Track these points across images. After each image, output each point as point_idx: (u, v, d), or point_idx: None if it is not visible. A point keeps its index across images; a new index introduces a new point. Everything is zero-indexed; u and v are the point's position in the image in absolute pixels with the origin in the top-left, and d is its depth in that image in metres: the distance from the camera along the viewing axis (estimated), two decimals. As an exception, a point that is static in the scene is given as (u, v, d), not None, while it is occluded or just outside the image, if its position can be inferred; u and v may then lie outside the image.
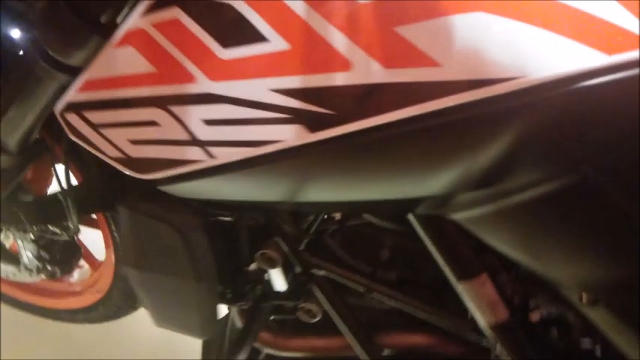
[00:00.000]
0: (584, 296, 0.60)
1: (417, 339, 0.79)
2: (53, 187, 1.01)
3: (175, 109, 0.50)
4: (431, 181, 0.45)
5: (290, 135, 0.43)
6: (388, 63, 0.37)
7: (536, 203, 0.48)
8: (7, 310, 1.27)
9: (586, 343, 0.73)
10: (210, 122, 0.48)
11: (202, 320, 0.69)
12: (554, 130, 0.39)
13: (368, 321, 0.78)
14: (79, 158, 0.76)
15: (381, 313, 0.79)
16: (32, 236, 0.93)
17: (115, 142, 0.56)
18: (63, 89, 0.66)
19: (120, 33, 0.51)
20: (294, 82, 0.42)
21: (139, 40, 0.50)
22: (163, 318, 0.72)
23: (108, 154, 0.58)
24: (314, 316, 0.74)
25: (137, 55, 0.51)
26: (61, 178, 0.78)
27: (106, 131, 0.56)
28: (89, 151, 0.69)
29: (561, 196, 0.47)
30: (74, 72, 0.63)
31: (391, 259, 0.73)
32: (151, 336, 1.30)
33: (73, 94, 0.57)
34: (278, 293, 0.72)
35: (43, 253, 0.96)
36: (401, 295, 0.72)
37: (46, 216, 0.87)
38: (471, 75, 0.34)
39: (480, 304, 0.67)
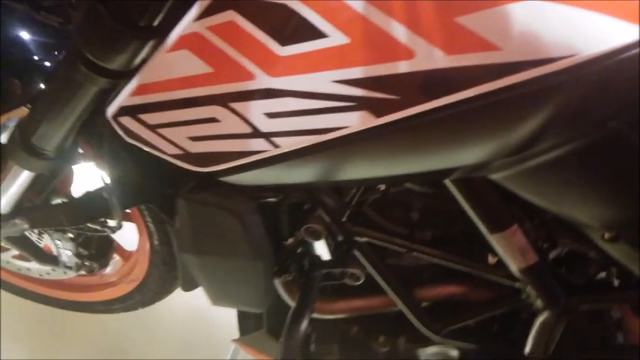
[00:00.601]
0: (607, 234, 0.67)
1: (451, 289, 0.86)
2: (77, 187, 1.04)
3: (236, 105, 0.54)
4: (477, 151, 0.50)
5: (356, 121, 0.48)
6: (450, 50, 0.42)
7: (568, 158, 0.54)
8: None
9: (604, 276, 0.81)
10: (272, 115, 0.52)
11: (261, 294, 0.75)
12: (592, 97, 0.44)
13: (405, 278, 0.84)
14: (113, 157, 0.79)
15: (416, 270, 0.86)
16: (71, 235, 0.97)
17: (174, 140, 0.60)
18: (103, 93, 0.70)
19: (172, 38, 0.54)
20: (356, 72, 0.46)
21: (194, 43, 0.53)
22: (222, 297, 0.77)
23: (166, 151, 0.62)
24: (358, 279, 0.80)
25: (193, 58, 0.54)
26: (102, 178, 0.82)
27: (163, 131, 0.60)
28: (125, 149, 0.73)
29: (590, 149, 0.53)
30: (115, 75, 0.66)
31: (425, 220, 0.79)
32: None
33: (126, 99, 0.60)
34: (325, 262, 0.78)
35: (81, 250, 1.00)
36: (437, 251, 0.78)
37: (88, 215, 0.90)
38: (530, 56, 0.39)
39: (512, 252, 0.73)
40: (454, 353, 0.92)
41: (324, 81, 0.48)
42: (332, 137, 0.50)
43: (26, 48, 0.86)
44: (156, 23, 0.62)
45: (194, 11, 0.52)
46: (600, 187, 0.60)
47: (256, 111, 0.53)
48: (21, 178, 0.85)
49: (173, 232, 0.96)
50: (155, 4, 0.60)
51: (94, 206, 0.91)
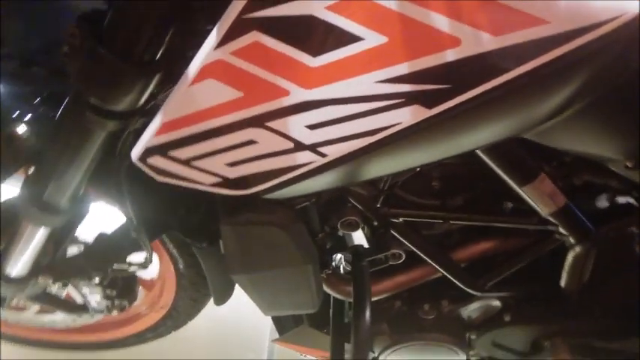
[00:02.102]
0: (629, 163, 0.70)
1: (485, 246, 0.88)
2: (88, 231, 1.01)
3: (273, 123, 0.53)
4: (522, 122, 0.51)
5: (407, 116, 0.48)
6: (497, 31, 0.42)
7: (594, 105, 0.56)
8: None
9: (624, 200, 0.85)
10: (314, 126, 0.52)
11: (313, 295, 0.75)
12: (628, 53, 0.45)
13: (441, 245, 0.87)
14: (133, 194, 0.77)
15: (449, 235, 0.88)
16: (97, 280, 0.95)
17: (211, 169, 0.59)
18: (112, 137, 0.68)
19: (193, 70, 0.53)
20: (401, 69, 0.46)
21: (218, 71, 0.52)
22: (275, 306, 0.78)
23: (204, 182, 0.60)
24: (400, 258, 0.82)
25: (219, 85, 0.53)
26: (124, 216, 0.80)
27: (198, 163, 0.59)
28: (144, 185, 0.72)
29: (614, 94, 0.55)
30: (124, 116, 0.64)
31: (453, 187, 0.80)
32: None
33: (151, 139, 0.58)
34: (367, 250, 0.79)
35: (109, 292, 0.98)
36: (471, 215, 0.80)
37: (112, 257, 0.88)
38: (578, 24, 0.40)
39: (542, 199, 0.76)
40: (496, 303, 0.95)
41: (366, 83, 0.48)
42: (383, 136, 0.50)
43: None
44: (159, 57, 0.60)
45: (213, 39, 0.50)
46: (623, 124, 0.62)
47: (296, 125, 0.53)
48: (38, 237, 0.82)
49: (199, 252, 0.95)
50: (156, 38, 0.58)
51: (117, 247, 0.89)
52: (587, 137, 0.64)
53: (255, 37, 0.49)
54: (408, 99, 0.47)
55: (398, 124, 0.49)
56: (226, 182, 0.60)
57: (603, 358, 0.99)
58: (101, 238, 0.91)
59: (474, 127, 0.49)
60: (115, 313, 1.01)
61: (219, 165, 0.58)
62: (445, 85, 0.45)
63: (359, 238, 0.85)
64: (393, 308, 0.96)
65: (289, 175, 0.56)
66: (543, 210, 0.77)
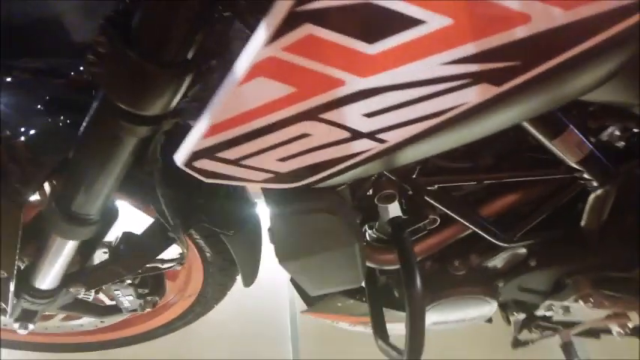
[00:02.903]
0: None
1: (511, 199, 0.90)
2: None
3: (327, 115, 0.52)
4: (583, 89, 0.51)
5: (474, 95, 0.47)
6: (568, 5, 0.41)
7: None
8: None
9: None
10: (372, 114, 0.51)
11: (360, 271, 0.76)
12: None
13: (471, 203, 0.88)
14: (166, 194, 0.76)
15: (477, 192, 0.90)
16: (129, 281, 0.94)
17: (262, 166, 0.58)
18: (143, 142, 0.65)
19: (242, 70, 0.51)
20: (468, 49, 0.45)
21: (269, 68, 0.50)
22: (322, 285, 0.78)
23: (254, 179, 0.59)
24: (436, 222, 0.83)
25: (270, 82, 0.51)
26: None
27: (248, 161, 0.57)
28: (175, 182, 0.71)
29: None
30: (155, 121, 0.62)
31: (481, 147, 0.81)
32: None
33: (198, 143, 0.57)
34: (407, 220, 0.80)
35: (141, 291, 0.97)
36: (502, 173, 0.81)
37: (145, 258, 0.87)
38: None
39: (570, 149, 0.77)
40: (522, 251, 0.99)
41: (430, 66, 0.47)
42: (447, 117, 0.50)
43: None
44: (190, 57, 0.58)
45: (262, 36, 0.48)
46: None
47: (353, 115, 0.52)
48: (67, 249, 0.80)
49: (228, 239, 0.95)
50: (186, 38, 0.56)
51: (147, 246, 0.88)
52: (613, 87, 0.65)
53: (308, 30, 0.47)
54: (476, 78, 0.46)
55: (464, 104, 0.48)
56: (278, 177, 0.59)
57: (622, 287, 1.04)
58: (129, 240, 0.90)
59: (537, 99, 0.49)
60: (148, 309, 1.00)
61: (270, 161, 0.57)
62: (514, 62, 0.45)
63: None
64: (425, 269, 0.98)
65: (345, 163, 0.56)
66: (571, 159, 0.79)
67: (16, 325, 0.95)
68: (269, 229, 0.68)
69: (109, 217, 0.79)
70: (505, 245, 0.91)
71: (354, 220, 0.71)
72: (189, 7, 0.53)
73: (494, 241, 0.90)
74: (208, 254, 1.01)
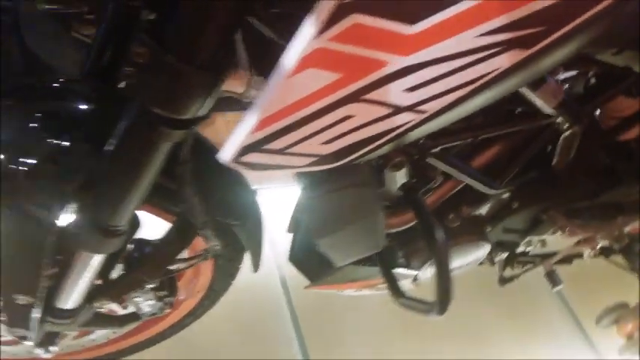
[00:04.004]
0: (613, 51, 0.82)
1: (494, 150, 0.99)
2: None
3: (370, 95, 0.57)
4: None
5: (505, 60, 0.53)
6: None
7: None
8: None
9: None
10: (413, 88, 0.56)
11: (382, 236, 0.82)
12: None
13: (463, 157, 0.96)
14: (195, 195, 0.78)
15: (467, 147, 0.98)
16: (150, 285, 0.95)
17: (306, 152, 0.62)
18: (175, 146, 0.67)
19: (291, 63, 0.54)
20: (501, 20, 0.51)
21: (318, 58, 0.53)
22: (349, 255, 0.84)
23: (298, 165, 0.63)
24: (439, 181, 0.90)
25: (318, 72, 0.54)
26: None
27: (294, 149, 0.61)
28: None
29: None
30: (191, 124, 0.64)
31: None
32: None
33: (247, 138, 0.59)
34: (417, 183, 0.86)
35: (160, 293, 0.98)
36: (493, 127, 0.90)
37: (168, 261, 0.88)
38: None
39: (549, 98, 0.86)
40: (505, 195, 1.09)
41: (466, 39, 0.52)
42: (481, 83, 0.55)
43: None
44: (224, 58, 0.60)
45: (310, 30, 0.52)
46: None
47: (395, 91, 0.56)
48: (93, 264, 0.80)
49: (239, 229, 0.98)
50: (223, 39, 0.58)
51: (167, 248, 0.89)
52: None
53: (354, 19, 0.51)
54: (508, 45, 0.52)
55: (497, 69, 0.54)
56: (320, 160, 0.63)
57: (589, 214, 1.18)
58: (143, 246, 0.90)
59: (553, 58, 0.56)
60: (167, 311, 1.01)
61: (314, 146, 0.61)
62: (540, 27, 0.51)
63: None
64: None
65: (385, 138, 0.61)
66: (548, 106, 0.88)
67: (39, 351, 0.94)
68: (298, 212, 0.72)
69: (135, 226, 0.80)
70: (493, 192, 1.01)
71: (377, 188, 0.76)
72: (223, 11, 0.55)
73: (484, 190, 0.99)
74: (217, 247, 1.03)
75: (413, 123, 0.59)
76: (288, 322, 1.57)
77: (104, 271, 0.86)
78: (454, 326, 1.72)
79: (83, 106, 0.82)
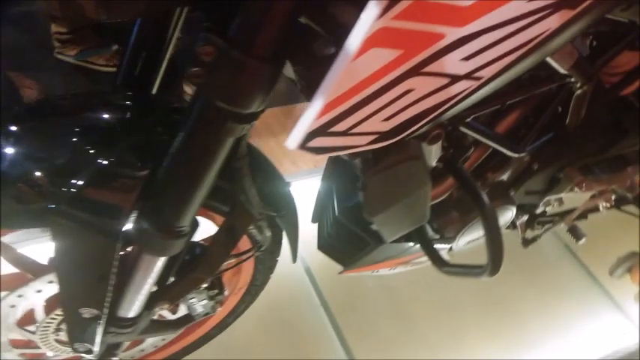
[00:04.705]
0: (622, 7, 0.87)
1: (515, 115, 1.03)
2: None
3: (429, 68, 0.60)
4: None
5: (555, 21, 0.57)
6: None
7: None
8: None
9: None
10: (469, 57, 0.59)
11: (429, 207, 0.86)
12: None
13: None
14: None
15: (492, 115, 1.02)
16: (205, 284, 0.96)
17: (368, 130, 0.64)
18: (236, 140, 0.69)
19: (355, 45, 0.56)
20: (551, -17, 0.54)
21: (381, 38, 0.56)
22: (400, 228, 0.87)
23: (360, 144, 0.66)
24: (470, 147, 0.94)
25: (380, 51, 0.57)
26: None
27: (356, 129, 0.64)
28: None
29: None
30: (254, 117, 0.66)
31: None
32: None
33: (312, 124, 0.61)
34: (456, 154, 0.90)
35: (212, 292, 1.00)
36: (514, 93, 0.94)
37: (224, 256, 0.90)
38: None
39: (564, 58, 0.91)
40: (526, 159, 1.13)
41: (518, 5, 0.56)
42: (533, 45, 0.59)
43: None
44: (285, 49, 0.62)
45: (373, 10, 0.54)
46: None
47: (452, 61, 0.59)
48: (157, 267, 0.82)
49: (281, 220, 1.00)
50: (284, 32, 0.60)
51: (221, 249, 0.91)
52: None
53: (416, -5, 0.54)
54: (556, 7, 0.56)
55: (546, 31, 0.58)
56: (382, 136, 0.66)
57: (602, 168, 1.23)
58: (195, 246, 0.92)
59: (597, 13, 0.60)
60: (219, 309, 1.03)
61: (376, 123, 0.64)
62: (587, -16, 0.55)
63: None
64: (452, 199, 1.10)
65: (444, 107, 0.64)
66: (564, 67, 0.93)
67: (100, 364, 0.95)
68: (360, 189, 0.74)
69: (193, 227, 0.81)
70: (518, 156, 1.05)
71: (425, 162, 0.80)
72: (284, 5, 0.58)
73: (510, 154, 1.03)
74: (269, 239, 1.05)
75: (468, 91, 0.62)
76: (319, 309, 1.59)
77: (162, 277, 0.88)
78: (476, 293, 1.77)
79: (120, 116, 0.83)
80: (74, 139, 0.77)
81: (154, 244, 0.76)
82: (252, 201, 0.77)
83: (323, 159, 1.08)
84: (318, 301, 1.60)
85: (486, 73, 0.61)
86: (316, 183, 1.13)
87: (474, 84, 0.62)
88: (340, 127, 0.63)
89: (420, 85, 0.61)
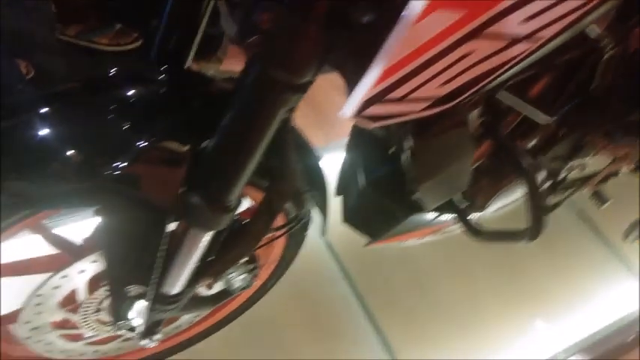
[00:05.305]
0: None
1: (544, 81, 1.03)
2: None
3: (489, 30, 0.59)
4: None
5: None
6: None
7: None
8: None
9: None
10: (528, 19, 0.59)
11: (469, 175, 0.86)
12: None
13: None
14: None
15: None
16: (246, 257, 0.97)
17: (424, 96, 0.64)
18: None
19: (416, 10, 0.55)
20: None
21: (442, 1, 0.55)
22: (442, 196, 0.87)
23: (415, 110, 0.65)
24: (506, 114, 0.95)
25: (442, 14, 0.56)
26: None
27: (413, 95, 0.63)
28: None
29: None
30: (307, 87, 0.65)
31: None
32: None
33: (369, 91, 0.61)
34: (494, 119, 0.89)
35: (249, 266, 1.01)
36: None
37: (264, 230, 0.90)
38: None
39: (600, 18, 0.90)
40: (553, 125, 1.13)
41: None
42: (589, 7, 0.59)
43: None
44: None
45: (438, -28, 0.54)
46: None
47: (512, 23, 0.59)
48: (202, 244, 0.82)
49: (312, 194, 1.00)
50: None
51: (261, 223, 0.90)
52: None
53: (479, -44, 0.53)
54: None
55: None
56: (436, 102, 0.65)
57: (624, 133, 1.24)
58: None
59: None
60: (255, 283, 1.04)
61: (432, 89, 0.63)
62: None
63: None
64: (484, 165, 1.10)
65: (501, 70, 0.64)
66: (597, 29, 0.92)
67: (145, 341, 0.95)
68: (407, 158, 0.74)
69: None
70: (549, 121, 1.05)
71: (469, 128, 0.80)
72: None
73: (542, 120, 1.03)
74: (291, 215, 1.05)
75: (525, 54, 0.62)
76: (341, 282, 1.61)
77: (206, 252, 0.87)
78: (493, 262, 1.79)
79: (157, 92, 0.82)
80: (114, 118, 0.76)
81: (203, 218, 0.76)
82: (294, 175, 0.77)
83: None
84: (340, 274, 1.62)
85: (546, 33, 0.60)
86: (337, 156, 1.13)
87: (532, 46, 0.61)
88: (397, 93, 0.62)
89: (480, 48, 0.60)
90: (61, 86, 0.83)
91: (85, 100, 0.80)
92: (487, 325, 1.66)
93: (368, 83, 0.61)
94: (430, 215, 1.16)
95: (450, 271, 1.74)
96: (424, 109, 0.66)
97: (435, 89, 0.64)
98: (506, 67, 0.63)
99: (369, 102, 0.62)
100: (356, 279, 1.61)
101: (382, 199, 1.10)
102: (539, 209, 0.84)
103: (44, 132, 0.74)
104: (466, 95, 0.66)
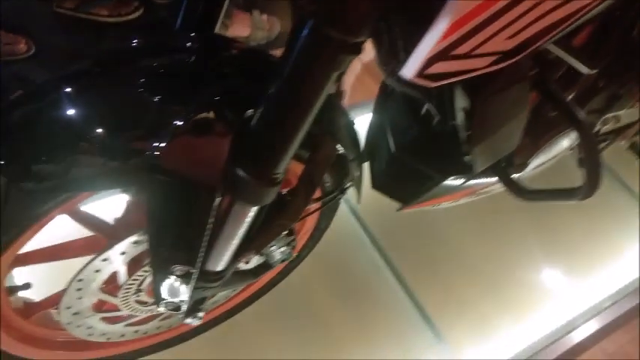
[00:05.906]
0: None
1: (586, 32, 0.98)
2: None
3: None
4: None
5: None
6: None
7: None
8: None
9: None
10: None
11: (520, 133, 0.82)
12: None
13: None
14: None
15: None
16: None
17: (492, 50, 0.59)
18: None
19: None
20: None
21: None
22: (494, 155, 0.84)
23: (481, 66, 0.61)
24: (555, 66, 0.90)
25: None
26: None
27: (480, 49, 0.59)
28: None
29: None
30: (359, 49, 0.61)
31: None
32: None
33: (434, 48, 0.57)
34: (543, 73, 0.85)
35: (288, 238, 0.98)
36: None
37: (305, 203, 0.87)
38: None
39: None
40: (594, 77, 1.09)
41: None
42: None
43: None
44: None
45: None
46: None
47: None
48: (247, 219, 0.78)
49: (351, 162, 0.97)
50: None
51: (303, 195, 0.87)
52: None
53: None
54: None
55: None
56: (502, 57, 0.61)
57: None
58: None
59: None
60: (294, 255, 1.02)
61: (499, 42, 0.59)
62: None
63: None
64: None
65: (566, 22, 0.59)
66: None
67: (189, 320, 0.93)
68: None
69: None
70: (592, 72, 1.00)
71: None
72: None
73: (585, 70, 0.98)
74: (327, 184, 1.02)
75: (594, 4, 0.57)
76: (369, 247, 1.59)
77: (254, 222, 0.84)
78: (521, 222, 1.77)
79: (185, 60, 0.77)
80: (144, 92, 0.72)
81: (249, 193, 0.72)
82: (335, 144, 0.73)
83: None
84: (367, 239, 1.60)
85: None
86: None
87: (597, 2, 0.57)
88: (463, 49, 0.58)
89: (550, -3, 0.56)
90: (78, 64, 0.78)
91: (110, 76, 0.75)
92: (519, 284, 1.66)
93: (433, 39, 0.56)
94: (459, 181, 1.13)
95: (478, 231, 1.72)
96: (490, 64, 0.61)
97: (503, 42, 0.59)
98: (572, 18, 0.59)
99: (432, 59, 0.58)
100: (383, 243, 1.59)
101: (417, 164, 1.07)
102: (597, 164, 0.81)
103: (71, 112, 0.70)
104: (533, 47, 0.62)
